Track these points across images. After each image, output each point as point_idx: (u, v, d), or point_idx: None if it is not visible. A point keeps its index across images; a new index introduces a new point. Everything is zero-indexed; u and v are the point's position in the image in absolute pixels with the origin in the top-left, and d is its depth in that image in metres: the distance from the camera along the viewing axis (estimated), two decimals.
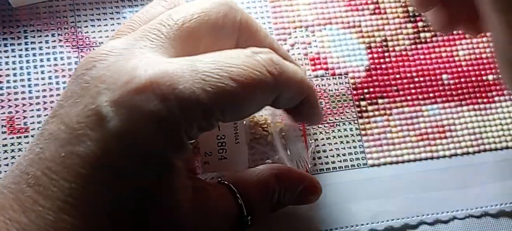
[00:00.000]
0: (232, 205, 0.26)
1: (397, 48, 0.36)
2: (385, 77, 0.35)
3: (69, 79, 0.27)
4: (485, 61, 0.36)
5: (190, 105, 0.22)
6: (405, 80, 0.35)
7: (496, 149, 0.34)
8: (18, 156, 0.30)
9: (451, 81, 0.35)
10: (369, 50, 0.35)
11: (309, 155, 0.32)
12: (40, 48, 0.32)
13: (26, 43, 0.32)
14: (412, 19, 0.37)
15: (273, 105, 0.26)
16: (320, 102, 0.34)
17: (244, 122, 0.31)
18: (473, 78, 0.36)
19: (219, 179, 0.27)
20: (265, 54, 0.25)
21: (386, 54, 0.36)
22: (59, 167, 0.22)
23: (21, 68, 0.32)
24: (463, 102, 0.35)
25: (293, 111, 0.28)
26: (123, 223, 0.22)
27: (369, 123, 0.34)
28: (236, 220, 0.26)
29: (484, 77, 0.36)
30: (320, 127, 0.33)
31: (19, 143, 0.31)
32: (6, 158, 0.31)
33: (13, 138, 0.31)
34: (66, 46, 0.33)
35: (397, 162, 0.33)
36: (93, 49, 0.33)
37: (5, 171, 0.30)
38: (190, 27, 0.25)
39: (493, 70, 0.36)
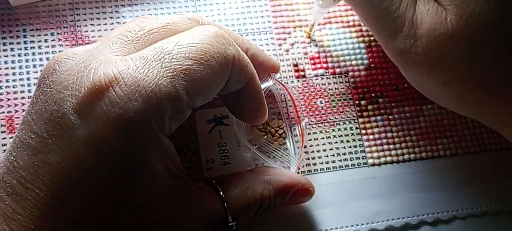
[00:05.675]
0: (217, 208, 0.26)
1: None
2: (385, 76, 0.35)
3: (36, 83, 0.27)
4: None
5: (156, 97, 0.22)
6: (405, 79, 0.35)
7: (496, 149, 0.34)
8: None
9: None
10: (369, 49, 0.35)
11: (302, 151, 0.32)
12: (39, 47, 0.32)
13: (25, 42, 0.32)
14: None
15: (223, 90, 0.26)
16: (320, 101, 0.34)
17: (243, 124, 0.31)
18: None
19: (213, 180, 0.27)
20: (211, 27, 0.25)
21: None
22: (33, 176, 0.22)
23: (20, 67, 0.32)
24: None
25: (236, 101, 0.28)
26: (97, 227, 0.22)
27: (369, 122, 0.34)
28: (220, 222, 0.26)
29: None
30: (320, 126, 0.33)
31: None
32: None
33: (12, 137, 0.31)
34: (66, 45, 0.33)
35: (397, 161, 0.33)
36: None
37: None
38: (155, 33, 0.25)
39: None
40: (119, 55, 0.24)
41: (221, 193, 0.26)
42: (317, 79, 0.34)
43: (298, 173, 0.31)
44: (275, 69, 0.31)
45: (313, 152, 0.33)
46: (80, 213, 0.22)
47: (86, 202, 0.22)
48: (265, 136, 0.32)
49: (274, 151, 0.31)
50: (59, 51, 0.32)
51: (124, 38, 0.25)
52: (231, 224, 0.26)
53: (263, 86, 0.30)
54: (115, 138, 0.22)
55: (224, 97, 0.29)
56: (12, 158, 0.23)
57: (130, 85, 0.22)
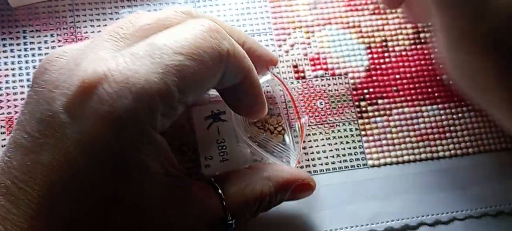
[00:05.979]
0: (216, 207, 0.26)
1: (397, 48, 0.36)
2: (385, 78, 0.35)
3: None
4: None
5: (146, 94, 0.22)
6: (405, 81, 0.35)
7: (496, 150, 0.34)
8: None
9: (451, 82, 0.35)
10: (369, 51, 0.35)
11: (301, 146, 0.32)
12: (39, 48, 0.32)
13: (25, 44, 0.32)
14: None
15: (219, 84, 0.26)
16: (320, 102, 0.34)
17: (242, 119, 0.31)
18: None
19: (212, 178, 0.27)
20: (205, 21, 0.25)
21: (386, 54, 0.35)
22: (26, 176, 0.22)
23: (20, 68, 0.32)
24: (463, 103, 0.35)
25: (234, 95, 0.28)
26: (88, 227, 0.22)
27: (369, 123, 0.34)
28: (219, 221, 0.26)
29: None
30: (320, 127, 0.33)
31: None
32: None
33: None
34: None
35: (397, 163, 0.33)
36: None
37: None
38: (148, 29, 0.25)
39: None
40: (110, 51, 0.23)
41: (219, 191, 0.26)
42: (316, 80, 0.34)
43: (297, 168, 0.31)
44: (273, 63, 0.31)
45: (312, 153, 0.33)
46: (71, 213, 0.22)
47: (77, 202, 0.22)
48: (264, 133, 0.32)
49: (274, 147, 0.31)
50: None
51: (116, 35, 0.24)
52: (231, 222, 0.26)
53: (261, 80, 0.29)
54: (106, 135, 0.22)
55: (222, 92, 0.29)
56: (6, 158, 0.23)
57: (119, 82, 0.22)
